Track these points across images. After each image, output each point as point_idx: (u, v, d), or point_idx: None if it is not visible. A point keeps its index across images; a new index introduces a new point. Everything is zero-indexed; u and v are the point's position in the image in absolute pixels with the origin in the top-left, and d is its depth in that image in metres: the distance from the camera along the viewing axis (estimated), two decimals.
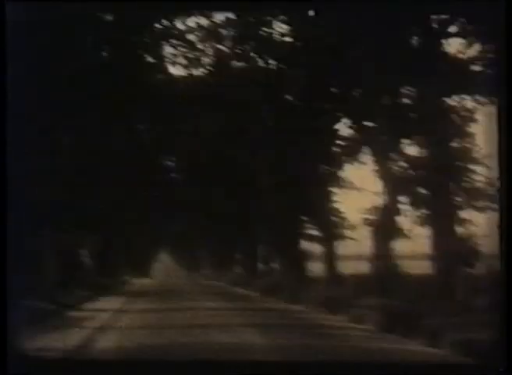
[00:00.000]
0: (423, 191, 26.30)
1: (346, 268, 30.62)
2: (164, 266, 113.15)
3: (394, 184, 27.06)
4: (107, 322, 21.46)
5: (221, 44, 34.87)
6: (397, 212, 26.92)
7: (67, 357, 15.21)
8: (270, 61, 34.38)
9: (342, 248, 31.86)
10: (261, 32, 33.45)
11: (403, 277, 25.55)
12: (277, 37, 33.41)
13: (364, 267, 27.39)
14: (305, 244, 36.29)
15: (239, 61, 35.18)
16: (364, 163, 31.09)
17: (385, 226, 26.58)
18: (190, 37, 34.29)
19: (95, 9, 22.88)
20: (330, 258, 31.59)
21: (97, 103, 30.05)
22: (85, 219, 39.13)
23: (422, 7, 19.59)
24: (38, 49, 15.93)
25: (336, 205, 34.41)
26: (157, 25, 32.79)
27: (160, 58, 34.60)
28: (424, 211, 26.05)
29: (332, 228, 32.84)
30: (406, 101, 27.81)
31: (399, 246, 26.68)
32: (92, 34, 27.58)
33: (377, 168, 28.13)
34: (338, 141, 33.11)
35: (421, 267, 25.30)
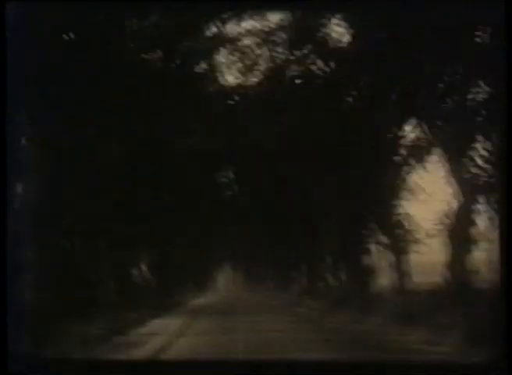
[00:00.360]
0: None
1: (420, 279, 28.74)
2: (226, 280, 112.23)
3: (469, 187, 25.20)
4: (164, 346, 19.84)
5: (276, 47, 33.56)
6: (474, 217, 25.04)
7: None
8: (329, 63, 32.93)
9: (414, 257, 30.05)
10: (318, 34, 32.14)
11: (482, 289, 23.57)
12: (334, 38, 32.04)
13: (439, 278, 25.56)
14: (374, 255, 34.62)
15: (296, 64, 33.83)
16: (433, 167, 29.49)
17: (461, 233, 24.71)
18: (246, 41, 33.07)
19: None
20: (401, 269, 29.60)
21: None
22: (142, 234, 38.04)
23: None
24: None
25: (406, 213, 32.72)
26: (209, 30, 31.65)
27: (212, 64, 33.41)
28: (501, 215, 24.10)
29: (403, 237, 31.01)
30: (476, 99, 26.04)
31: (477, 254, 24.76)
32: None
33: (450, 171, 26.33)
34: (405, 144, 31.49)
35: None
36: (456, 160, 26.23)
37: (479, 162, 25.49)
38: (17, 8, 13.22)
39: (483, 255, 24.99)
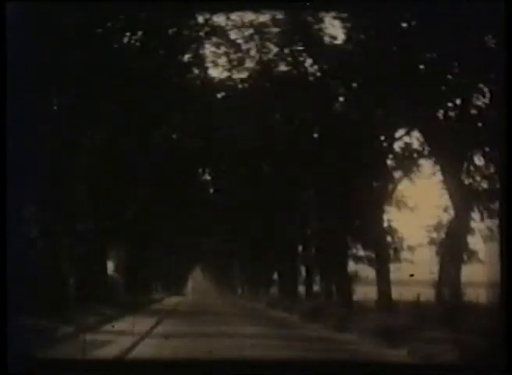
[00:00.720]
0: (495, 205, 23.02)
1: (402, 294, 27.20)
2: (199, 284, 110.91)
3: (462, 200, 23.74)
4: (125, 349, 18.24)
5: (266, 44, 32.22)
6: (466, 229, 23.49)
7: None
8: (319, 65, 31.56)
9: (397, 271, 28.54)
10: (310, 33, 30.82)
11: (471, 306, 22.13)
12: (327, 39, 30.76)
13: (423, 293, 24.11)
14: (354, 266, 33.21)
15: (285, 64, 32.49)
16: (423, 177, 28.25)
17: (451, 247, 23.20)
18: (233, 35, 31.67)
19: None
20: (383, 282, 27.95)
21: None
22: (112, 230, 36.55)
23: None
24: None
25: (391, 224, 31.32)
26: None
27: (198, 57, 32.02)
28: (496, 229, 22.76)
29: (386, 249, 29.42)
30: (475, 104, 24.74)
31: (468, 269, 23.29)
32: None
33: (441, 182, 24.93)
34: (395, 152, 30.10)
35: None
36: (449, 171, 24.86)
37: (474, 173, 24.13)
38: (17, 8, 13.23)
39: (473, 271, 23.70)
